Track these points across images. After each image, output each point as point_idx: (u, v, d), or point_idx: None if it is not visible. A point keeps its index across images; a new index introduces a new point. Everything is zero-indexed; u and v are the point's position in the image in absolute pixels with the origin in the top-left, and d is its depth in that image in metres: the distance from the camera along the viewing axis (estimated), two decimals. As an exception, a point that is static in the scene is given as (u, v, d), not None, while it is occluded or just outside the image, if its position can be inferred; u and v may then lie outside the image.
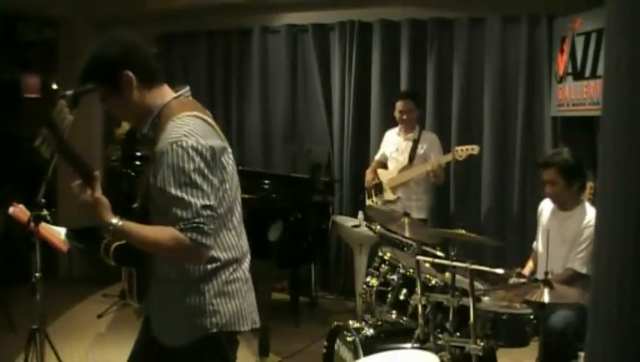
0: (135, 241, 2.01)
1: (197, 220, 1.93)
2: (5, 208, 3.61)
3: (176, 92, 2.13)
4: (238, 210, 2.16)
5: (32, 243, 3.00)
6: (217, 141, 2.05)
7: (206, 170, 1.97)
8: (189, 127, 1.99)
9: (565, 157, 3.50)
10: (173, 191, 1.93)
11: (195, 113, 2.06)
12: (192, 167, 1.94)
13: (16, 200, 3.57)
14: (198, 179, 1.95)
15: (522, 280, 3.27)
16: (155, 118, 2.08)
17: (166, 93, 2.12)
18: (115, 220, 1.96)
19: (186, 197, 1.93)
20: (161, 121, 2.06)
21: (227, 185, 2.07)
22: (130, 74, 2.03)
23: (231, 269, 2.10)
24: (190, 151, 1.94)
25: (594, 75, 4.51)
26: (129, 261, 2.13)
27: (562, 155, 3.53)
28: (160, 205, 1.99)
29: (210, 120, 2.11)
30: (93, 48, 2.07)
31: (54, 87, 6.76)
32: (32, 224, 2.93)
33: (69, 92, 2.09)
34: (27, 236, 3.01)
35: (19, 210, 3.53)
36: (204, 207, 1.94)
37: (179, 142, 1.94)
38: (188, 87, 2.17)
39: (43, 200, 2.67)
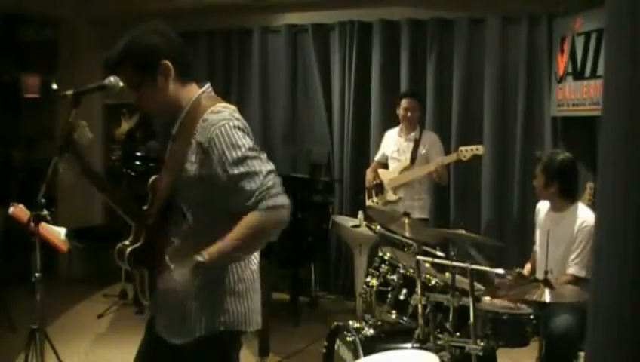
0: (231, 258, 2.03)
1: (267, 185, 1.92)
2: (5, 208, 3.61)
3: (200, 87, 2.14)
4: None
5: (32, 243, 2.99)
6: None
7: (255, 148, 1.99)
8: (229, 112, 2.03)
9: (554, 158, 3.50)
10: (235, 170, 1.93)
11: (228, 105, 2.09)
12: (243, 142, 1.97)
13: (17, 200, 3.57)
14: (253, 152, 1.97)
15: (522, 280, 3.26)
16: (185, 114, 2.08)
17: (195, 90, 2.13)
18: (200, 258, 1.91)
19: (249, 169, 1.93)
20: (191, 117, 2.05)
21: None
22: (169, 64, 2.03)
23: (241, 265, 2.11)
24: (238, 130, 1.98)
25: (594, 75, 4.51)
26: (143, 263, 2.12)
27: (553, 155, 3.54)
28: (219, 192, 1.97)
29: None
30: (132, 34, 2.05)
31: (54, 87, 6.78)
32: (32, 224, 2.92)
33: (69, 92, 2.08)
34: (27, 236, 3.01)
35: (19, 210, 3.52)
36: (269, 172, 1.96)
37: (225, 124, 1.97)
38: (209, 83, 2.17)
39: (43, 200, 2.66)
